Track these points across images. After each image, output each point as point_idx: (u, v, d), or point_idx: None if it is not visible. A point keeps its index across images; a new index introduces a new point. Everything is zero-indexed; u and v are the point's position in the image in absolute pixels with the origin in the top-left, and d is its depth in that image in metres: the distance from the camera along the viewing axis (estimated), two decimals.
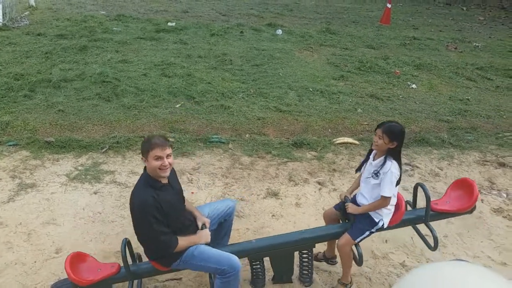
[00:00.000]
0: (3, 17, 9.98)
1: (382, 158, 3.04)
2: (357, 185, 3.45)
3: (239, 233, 4.02)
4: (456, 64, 9.60)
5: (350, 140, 5.94)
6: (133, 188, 2.87)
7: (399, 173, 3.04)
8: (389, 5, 13.43)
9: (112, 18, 11.27)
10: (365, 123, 6.47)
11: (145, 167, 2.86)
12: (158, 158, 2.72)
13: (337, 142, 5.88)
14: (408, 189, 4.69)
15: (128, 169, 4.96)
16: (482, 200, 4.79)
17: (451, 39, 12.33)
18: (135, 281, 3.10)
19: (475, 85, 8.49)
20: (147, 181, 2.81)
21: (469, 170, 5.45)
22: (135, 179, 4.72)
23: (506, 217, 4.55)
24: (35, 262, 3.58)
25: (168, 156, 2.76)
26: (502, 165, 5.59)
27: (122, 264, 2.98)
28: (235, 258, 2.92)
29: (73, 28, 9.92)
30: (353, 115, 6.65)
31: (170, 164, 2.78)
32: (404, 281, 1.06)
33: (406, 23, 14.51)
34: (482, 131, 6.56)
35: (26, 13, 11.20)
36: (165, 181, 2.87)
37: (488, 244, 4.12)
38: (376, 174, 3.06)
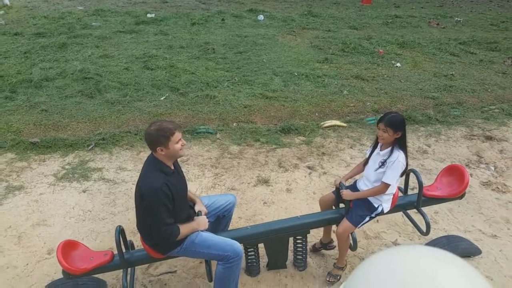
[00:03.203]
0: None
1: (389, 148, 3.05)
2: (354, 172, 3.45)
3: (232, 222, 3.99)
4: (439, 40, 9.64)
5: (337, 122, 5.94)
6: (141, 174, 2.82)
7: (405, 163, 3.06)
8: None
9: (91, 13, 11.09)
10: (352, 105, 6.47)
11: (151, 155, 2.82)
12: (179, 140, 2.75)
13: (325, 125, 5.87)
14: None
15: (115, 165, 4.91)
16: (471, 175, 4.83)
17: (433, 15, 12.35)
18: (129, 270, 3.07)
19: (459, 60, 8.54)
20: (158, 167, 2.77)
21: (456, 146, 5.49)
22: (123, 175, 4.69)
23: (494, 190, 4.60)
24: (27, 264, 3.54)
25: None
26: (489, 138, 5.63)
27: (115, 252, 2.95)
28: (237, 244, 2.93)
29: (51, 25, 9.75)
30: (339, 98, 6.64)
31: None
32: (358, 270, 1.05)
33: (388, 1, 14.49)
34: (468, 105, 6.61)
35: (0, 12, 10.96)
36: (172, 167, 2.86)
37: (478, 218, 4.16)
38: (383, 163, 3.07)
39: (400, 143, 3.04)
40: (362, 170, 3.41)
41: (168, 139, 2.69)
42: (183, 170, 4.80)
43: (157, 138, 2.71)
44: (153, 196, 2.67)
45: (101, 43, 8.71)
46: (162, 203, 2.66)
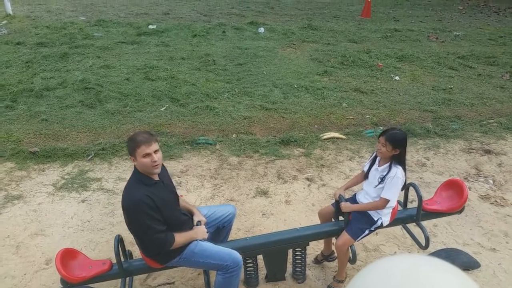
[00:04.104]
0: None
1: (387, 164, 3.07)
2: (353, 183, 3.46)
3: (231, 233, 4.00)
4: (438, 54, 9.70)
5: (336, 135, 5.96)
6: (124, 187, 2.82)
7: (404, 178, 3.08)
8: None
9: (92, 24, 11.16)
10: (351, 117, 6.50)
11: (135, 166, 2.82)
12: (147, 155, 2.65)
13: (324, 137, 5.90)
14: None
15: (115, 176, 4.92)
16: (469, 188, 4.84)
17: (432, 29, 12.45)
18: (127, 280, 3.07)
19: (458, 74, 8.59)
20: (139, 179, 2.76)
21: (455, 159, 5.51)
22: (122, 186, 4.66)
23: (493, 203, 4.61)
24: (25, 274, 3.53)
25: (156, 151, 2.70)
26: (488, 152, 5.66)
27: (114, 261, 2.94)
28: (237, 253, 2.93)
29: (53, 35, 9.81)
30: (339, 110, 6.67)
31: (159, 159, 2.73)
32: (356, 278, 1.07)
33: (387, 15, 14.62)
34: (466, 119, 6.64)
35: (3, 22, 11.04)
36: (156, 178, 2.83)
37: (477, 231, 4.16)
38: (382, 179, 3.09)
39: (398, 160, 3.06)
40: (360, 181, 3.42)
41: (134, 150, 2.67)
42: (182, 180, 4.83)
43: (128, 147, 2.76)
44: (135, 208, 2.66)
45: (103, 53, 8.76)
46: (145, 213, 2.64)
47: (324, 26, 12.07)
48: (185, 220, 3.00)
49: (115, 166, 5.11)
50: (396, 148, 2.99)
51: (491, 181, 5.03)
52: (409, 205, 3.71)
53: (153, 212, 2.67)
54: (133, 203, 2.65)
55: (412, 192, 3.50)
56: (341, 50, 9.65)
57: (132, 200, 2.66)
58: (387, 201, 3.07)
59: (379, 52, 9.62)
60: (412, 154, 5.54)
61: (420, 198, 3.31)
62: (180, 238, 2.81)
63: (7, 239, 3.91)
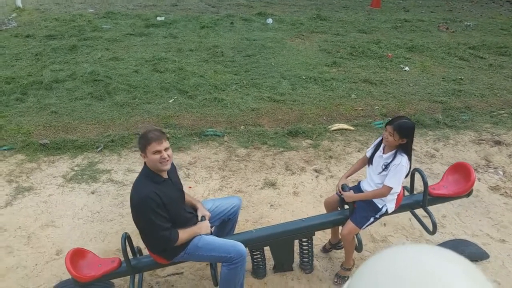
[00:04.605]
0: None
1: (392, 152, 3.05)
2: (355, 169, 3.45)
3: (238, 224, 4.00)
4: (448, 45, 9.59)
5: (345, 126, 5.94)
6: (133, 183, 2.86)
7: (408, 167, 3.06)
8: None
9: (101, 16, 11.19)
10: (360, 108, 6.46)
11: (145, 162, 2.85)
12: (157, 152, 2.70)
13: (333, 129, 5.88)
14: None
15: (124, 167, 4.95)
16: (479, 179, 4.81)
17: (443, 19, 12.30)
18: (137, 276, 3.11)
19: (468, 65, 8.49)
20: (148, 176, 2.80)
21: (465, 150, 5.46)
22: (131, 177, 4.73)
23: (503, 194, 4.58)
24: (36, 264, 3.59)
25: (166, 149, 2.74)
26: (498, 143, 5.60)
27: (122, 259, 2.98)
28: (241, 244, 2.95)
29: (62, 28, 9.85)
30: (347, 101, 6.64)
31: (169, 156, 2.77)
32: (363, 267, 1.07)
33: (397, 5, 14.46)
34: (477, 110, 6.58)
35: (13, 15, 11.10)
36: (165, 175, 2.86)
37: (486, 222, 4.14)
38: (386, 166, 3.07)
39: (404, 149, 3.03)
40: (363, 166, 3.40)
41: (145, 147, 2.72)
42: (190, 172, 4.86)
43: (138, 144, 2.80)
44: (142, 205, 2.70)
45: (111, 45, 8.79)
46: (152, 211, 2.68)
47: (333, 17, 11.98)
48: (190, 217, 3.03)
49: (124, 158, 5.15)
50: (403, 137, 2.96)
51: (501, 172, 4.99)
52: (416, 192, 3.69)
53: (159, 209, 2.70)
54: (141, 199, 2.70)
55: (418, 181, 3.47)
56: (350, 41, 9.58)
57: (140, 196, 2.71)
58: (390, 188, 3.05)
59: (389, 43, 9.53)
60: (422, 145, 5.51)
61: (426, 183, 3.29)
62: (184, 234, 2.85)
63: (19, 230, 3.97)
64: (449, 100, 6.78)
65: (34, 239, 3.87)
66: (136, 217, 2.79)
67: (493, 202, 4.45)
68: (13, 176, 4.75)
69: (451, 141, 5.66)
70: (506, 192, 4.59)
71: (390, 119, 3.12)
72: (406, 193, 3.48)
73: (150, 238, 2.85)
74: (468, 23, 11.73)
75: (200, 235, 2.94)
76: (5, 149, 5.24)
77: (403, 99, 6.78)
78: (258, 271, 3.41)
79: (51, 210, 4.24)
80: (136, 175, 4.74)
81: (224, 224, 3.34)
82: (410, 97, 6.84)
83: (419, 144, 5.53)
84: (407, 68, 8.10)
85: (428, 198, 3.38)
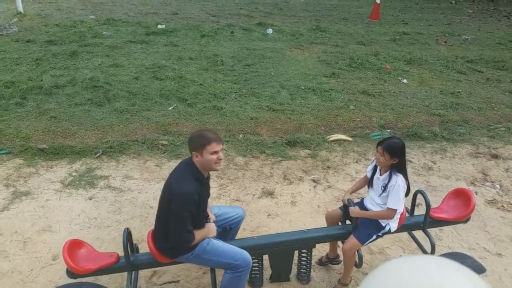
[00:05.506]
0: None
1: (387, 173, 3.08)
2: (358, 186, 3.48)
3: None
4: (446, 58, 9.67)
5: (343, 137, 5.96)
6: (173, 175, 2.87)
7: (406, 186, 3.08)
8: (378, 1, 13.53)
9: (102, 23, 11.24)
10: (358, 119, 6.49)
11: (190, 160, 2.86)
12: (215, 152, 2.74)
13: (331, 139, 5.90)
14: None
15: (122, 174, 4.95)
16: (476, 193, 4.82)
17: (441, 33, 12.41)
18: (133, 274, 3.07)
19: (466, 78, 8.56)
20: (193, 174, 2.81)
21: (462, 163, 5.49)
22: (129, 184, 4.73)
23: (500, 208, 4.59)
24: (31, 270, 3.57)
25: (221, 150, 2.81)
26: (495, 156, 5.63)
27: (121, 254, 2.94)
28: (247, 253, 2.95)
29: (62, 33, 9.89)
30: (346, 112, 6.67)
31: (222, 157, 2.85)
32: (371, 276, 1.08)
33: (396, 18, 14.58)
34: (474, 123, 6.62)
35: (14, 20, 11.14)
36: (205, 178, 2.91)
37: (483, 236, 4.15)
38: (384, 188, 3.10)
39: (398, 168, 3.06)
40: (364, 185, 3.43)
41: (203, 146, 2.74)
42: None
43: (194, 143, 2.80)
44: (183, 200, 2.70)
45: (112, 52, 8.82)
46: (188, 209, 2.70)
47: (333, 28, 12.07)
48: (205, 222, 3.03)
49: (122, 164, 5.14)
50: (394, 157, 2.99)
51: (498, 186, 5.01)
52: (416, 210, 3.70)
53: (194, 208, 2.72)
54: (183, 194, 2.70)
55: (419, 197, 3.49)
56: (349, 52, 9.65)
57: (183, 190, 2.71)
58: (394, 210, 3.08)
59: (387, 55, 9.60)
60: (419, 158, 5.53)
61: (428, 205, 3.30)
62: (197, 236, 2.84)
63: (15, 235, 3.95)
64: (446, 113, 6.82)
65: (31, 244, 3.85)
66: (170, 208, 2.74)
67: (490, 216, 4.46)
68: (11, 180, 4.74)
69: (448, 154, 5.69)
70: (503, 206, 4.61)
71: (381, 139, 3.15)
72: (407, 214, 3.49)
73: (171, 232, 2.78)
74: (466, 37, 11.84)
75: (209, 238, 2.93)
76: (3, 153, 5.24)
77: (401, 111, 6.82)
78: (255, 280, 3.40)
79: (48, 215, 4.22)
80: (134, 181, 4.77)
81: (225, 232, 3.33)
82: (408, 109, 6.88)
83: (417, 156, 5.56)
84: (405, 81, 8.16)
85: (429, 221, 3.40)
